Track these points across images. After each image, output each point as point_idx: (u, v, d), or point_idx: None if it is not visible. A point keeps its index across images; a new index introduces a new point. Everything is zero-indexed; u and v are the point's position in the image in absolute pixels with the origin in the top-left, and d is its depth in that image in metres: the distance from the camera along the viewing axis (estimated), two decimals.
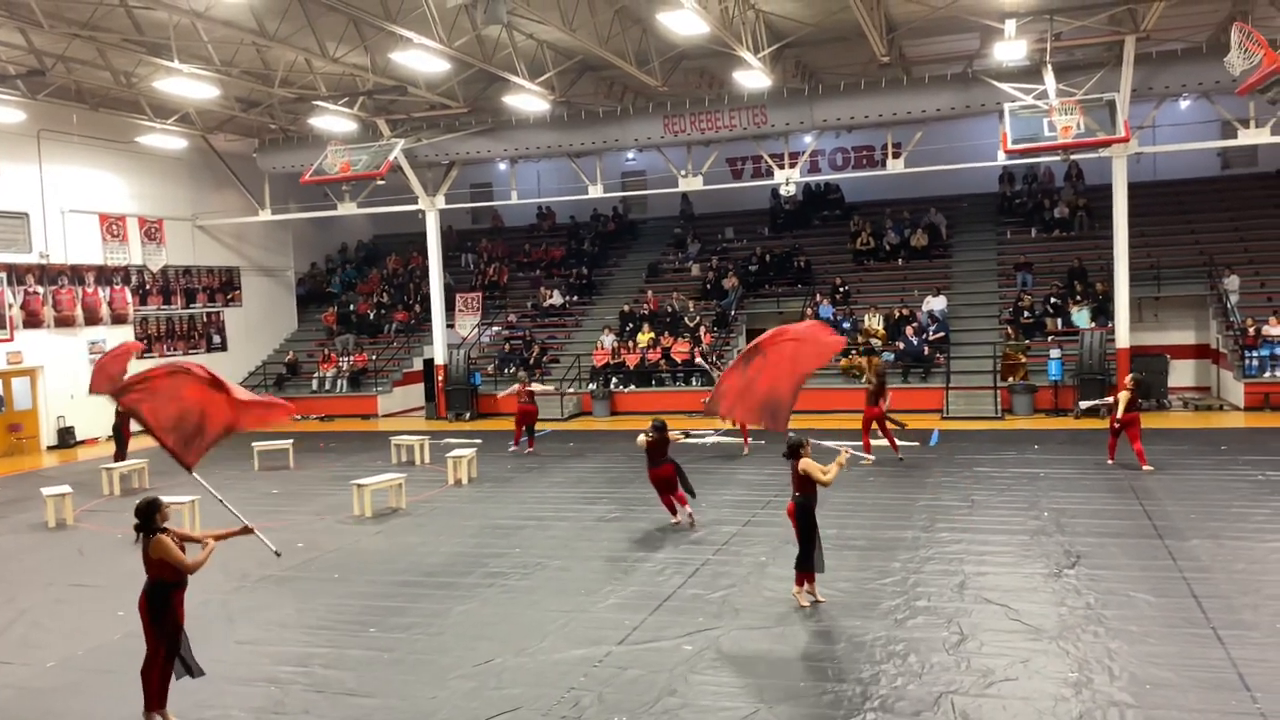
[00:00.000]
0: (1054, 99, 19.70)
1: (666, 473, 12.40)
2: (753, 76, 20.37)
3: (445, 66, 19.66)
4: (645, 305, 27.09)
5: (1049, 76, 20.06)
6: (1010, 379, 22.05)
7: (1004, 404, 21.64)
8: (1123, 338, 21.25)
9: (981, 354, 22.85)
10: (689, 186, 24.89)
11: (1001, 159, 22.19)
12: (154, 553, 6.91)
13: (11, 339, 21.87)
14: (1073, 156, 22.21)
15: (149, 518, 7.01)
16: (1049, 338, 22.92)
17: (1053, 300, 23.70)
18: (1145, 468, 14.58)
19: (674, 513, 12.59)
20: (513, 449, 19.35)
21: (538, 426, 20.35)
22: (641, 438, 12.51)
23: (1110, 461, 15.22)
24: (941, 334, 23.45)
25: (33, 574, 11.67)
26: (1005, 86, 20.67)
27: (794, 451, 9.06)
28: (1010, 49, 19.35)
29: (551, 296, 29.29)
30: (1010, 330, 23.30)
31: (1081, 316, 22.91)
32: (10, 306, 22.03)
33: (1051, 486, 13.97)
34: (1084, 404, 19.83)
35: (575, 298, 29.39)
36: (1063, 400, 21.43)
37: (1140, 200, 22.75)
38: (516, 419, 19.63)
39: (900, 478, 15.03)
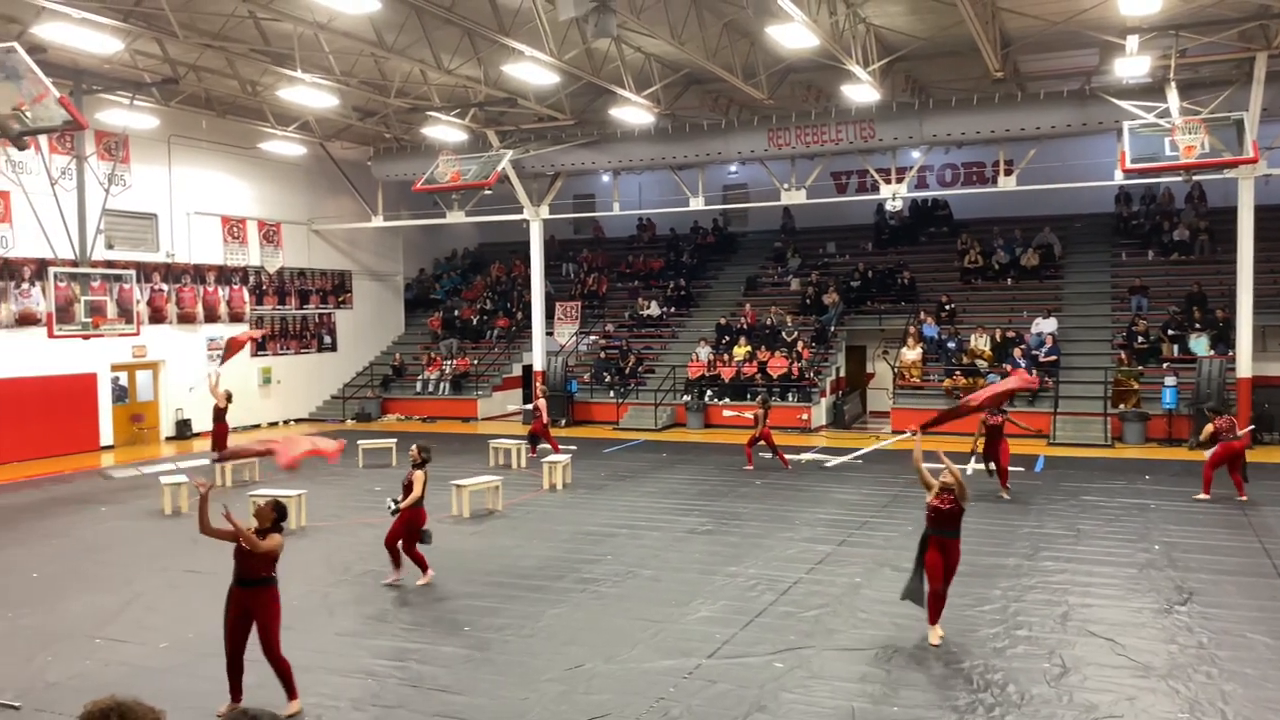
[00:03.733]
0: (1177, 117, 18.95)
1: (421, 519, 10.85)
2: (861, 90, 20.16)
3: (554, 79, 19.98)
4: (742, 319, 26.99)
5: (1172, 94, 19.34)
6: (1122, 406, 21.27)
7: (1114, 431, 20.88)
8: (1244, 367, 20.28)
9: (1092, 379, 22.09)
10: (791, 200, 24.75)
11: (1119, 178, 21.44)
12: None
13: (138, 333, 22.96)
14: (1195, 177, 21.33)
15: None
16: (1164, 364, 22.03)
17: (1170, 327, 22.79)
18: (1241, 497, 14.18)
19: (398, 564, 10.86)
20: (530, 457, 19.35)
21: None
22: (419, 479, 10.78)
23: (1205, 496, 14.53)
24: (1054, 356, 22.74)
25: (148, 559, 12.22)
26: (1125, 104, 20.00)
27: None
28: (1132, 65, 18.74)
29: (649, 307, 29.44)
30: (1123, 355, 22.46)
31: (1200, 344, 21.94)
32: (138, 302, 23.16)
33: (1163, 519, 13.42)
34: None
35: (672, 309, 29.47)
36: (1177, 430, 20.56)
37: (1267, 224, 21.72)
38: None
39: (1002, 503, 14.61)
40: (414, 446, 11.14)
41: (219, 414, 18.41)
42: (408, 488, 10.74)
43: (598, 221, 33.32)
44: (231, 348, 19.41)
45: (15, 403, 20.40)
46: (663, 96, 21.99)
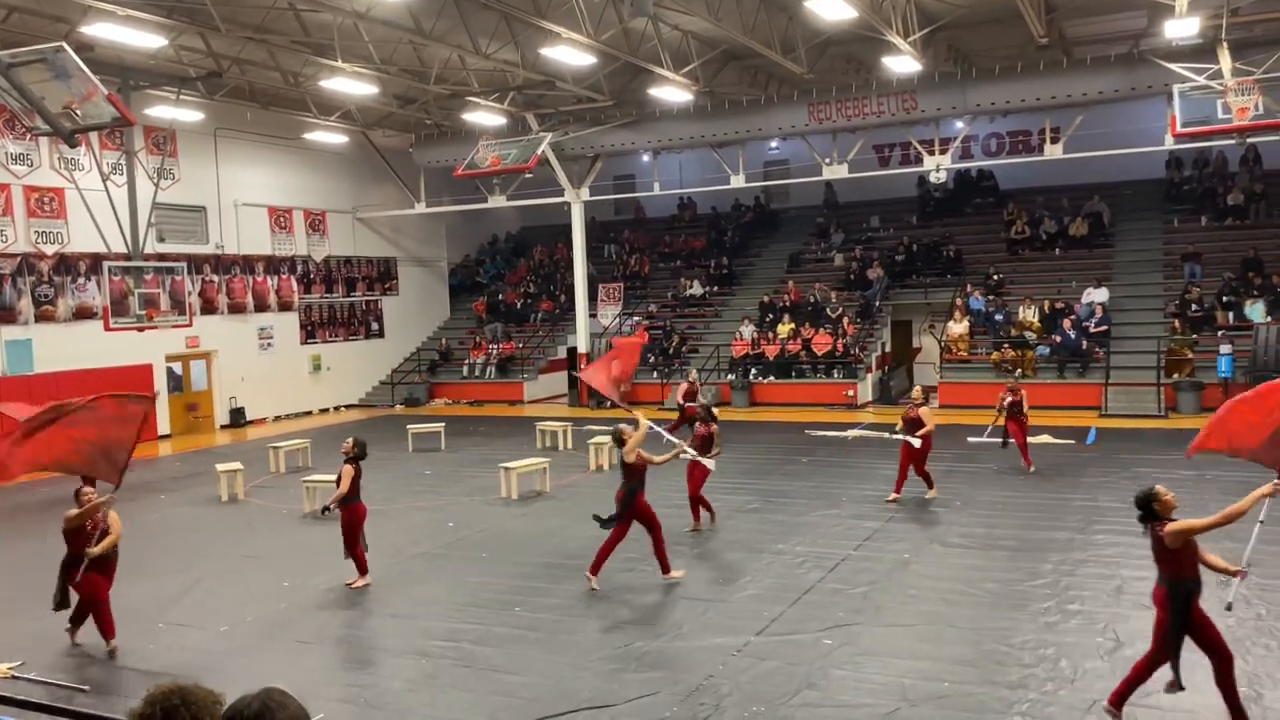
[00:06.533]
0: (1229, 79, 18.48)
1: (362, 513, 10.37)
2: (902, 61, 19.88)
3: (592, 60, 19.94)
4: (786, 296, 26.86)
5: (1224, 55, 18.82)
6: (1176, 375, 20.87)
7: (1168, 402, 20.50)
8: None
9: (1144, 349, 21.69)
10: (833, 175, 24.52)
11: (1169, 143, 20.98)
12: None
13: (190, 324, 23.41)
14: (1250, 139, 20.79)
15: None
16: (1219, 332, 21.55)
17: (1225, 294, 22.27)
18: None
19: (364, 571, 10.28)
20: None
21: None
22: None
23: None
24: (1105, 326, 22.36)
25: (207, 544, 12.51)
26: (1175, 67, 19.51)
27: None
28: (1181, 26, 18.24)
29: (691, 287, 29.39)
30: (1176, 324, 22.00)
31: (1256, 310, 21.44)
32: (190, 294, 23.59)
33: (1221, 490, 13.13)
34: None
35: (715, 288, 29.38)
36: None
37: None
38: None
39: (1054, 477, 14.45)
40: (349, 440, 10.45)
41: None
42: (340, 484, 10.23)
43: (639, 202, 33.26)
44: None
45: (75, 395, 20.84)
46: (701, 74, 21.86)
